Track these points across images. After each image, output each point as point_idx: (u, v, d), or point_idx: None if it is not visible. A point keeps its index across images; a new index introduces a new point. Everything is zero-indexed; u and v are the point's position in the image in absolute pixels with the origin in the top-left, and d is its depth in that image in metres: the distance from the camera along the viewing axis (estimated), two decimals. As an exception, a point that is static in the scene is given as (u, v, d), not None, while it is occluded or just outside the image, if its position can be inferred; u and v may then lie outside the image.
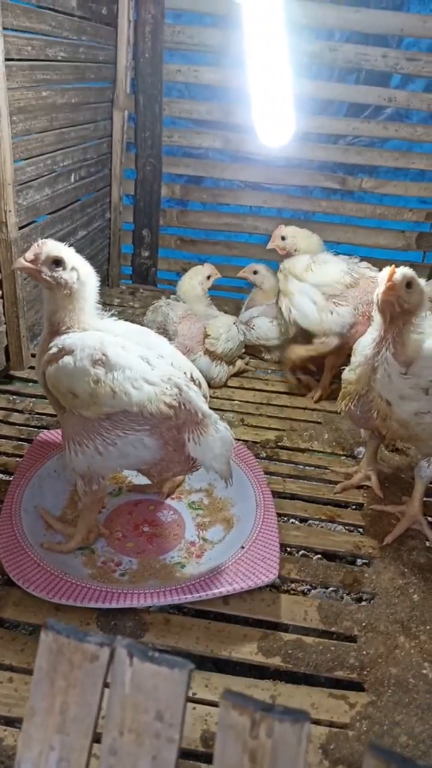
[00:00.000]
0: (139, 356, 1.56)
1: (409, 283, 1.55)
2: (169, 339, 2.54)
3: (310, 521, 1.99)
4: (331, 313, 2.50)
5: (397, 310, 1.56)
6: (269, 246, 2.86)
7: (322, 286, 2.50)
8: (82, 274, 1.58)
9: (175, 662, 0.81)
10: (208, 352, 2.72)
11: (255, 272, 3.03)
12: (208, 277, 2.93)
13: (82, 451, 1.55)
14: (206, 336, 2.71)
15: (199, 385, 1.70)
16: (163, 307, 2.79)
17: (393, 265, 1.55)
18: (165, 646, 1.51)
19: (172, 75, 3.44)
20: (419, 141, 3.51)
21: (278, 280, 2.70)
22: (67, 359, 1.52)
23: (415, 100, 3.39)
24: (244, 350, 3.02)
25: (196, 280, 2.92)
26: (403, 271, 1.54)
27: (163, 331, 2.67)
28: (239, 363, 2.97)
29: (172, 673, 0.81)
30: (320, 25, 3.32)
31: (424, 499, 1.92)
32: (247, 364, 3.03)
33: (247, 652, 1.51)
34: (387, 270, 1.55)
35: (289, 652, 1.51)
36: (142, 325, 2.67)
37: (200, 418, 1.56)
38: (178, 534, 1.85)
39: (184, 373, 1.64)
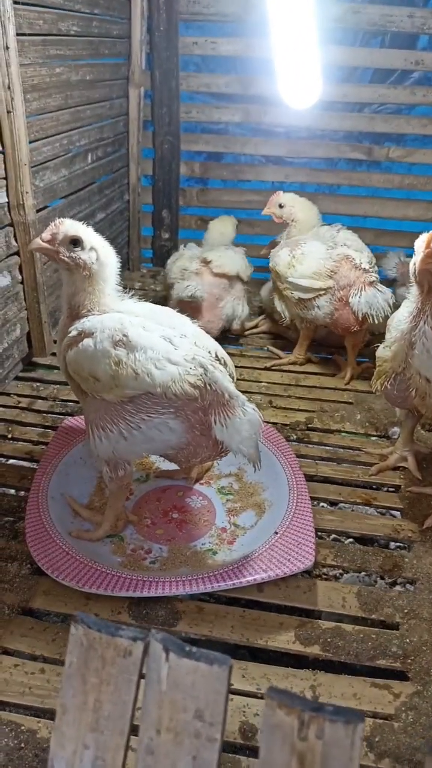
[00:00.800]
0: (161, 336, 1.49)
1: (448, 250, 1.44)
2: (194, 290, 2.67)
3: (344, 505, 1.92)
4: (319, 309, 2.49)
5: (436, 280, 1.46)
6: (264, 212, 2.73)
7: (304, 280, 2.46)
8: (101, 254, 1.52)
9: (214, 658, 0.75)
10: (221, 275, 2.73)
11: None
12: (236, 226, 3.05)
13: (106, 436, 1.50)
14: (207, 262, 2.74)
15: (225, 365, 1.63)
16: (186, 254, 2.83)
17: (430, 232, 1.45)
18: (199, 635, 1.47)
19: (189, 48, 3.32)
20: (449, 106, 3.34)
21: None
22: (87, 342, 1.46)
23: (444, 62, 3.23)
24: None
25: (231, 223, 3.03)
26: (441, 236, 1.43)
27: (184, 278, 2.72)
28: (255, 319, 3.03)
29: (212, 670, 0.75)
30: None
31: (465, 479, 1.83)
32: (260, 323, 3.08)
33: (285, 640, 1.46)
34: (424, 237, 1.45)
35: (329, 640, 1.45)
36: (167, 279, 2.80)
37: (227, 399, 1.50)
38: (209, 520, 1.79)
39: (209, 352, 1.57)
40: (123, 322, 1.48)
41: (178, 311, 1.69)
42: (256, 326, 3.08)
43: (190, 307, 2.70)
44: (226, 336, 3.01)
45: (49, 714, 1.27)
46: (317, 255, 2.48)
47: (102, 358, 1.44)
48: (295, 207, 2.67)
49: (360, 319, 2.43)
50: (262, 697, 1.33)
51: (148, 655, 0.78)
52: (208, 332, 2.77)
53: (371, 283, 2.42)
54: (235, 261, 2.81)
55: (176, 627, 1.47)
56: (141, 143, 3.49)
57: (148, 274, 3.81)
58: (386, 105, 3.43)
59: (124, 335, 1.44)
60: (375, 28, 3.20)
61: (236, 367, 2.71)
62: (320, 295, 2.47)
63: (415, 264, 1.44)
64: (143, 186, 3.66)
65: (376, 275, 2.46)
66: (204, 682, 0.76)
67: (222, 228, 3.04)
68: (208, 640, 1.47)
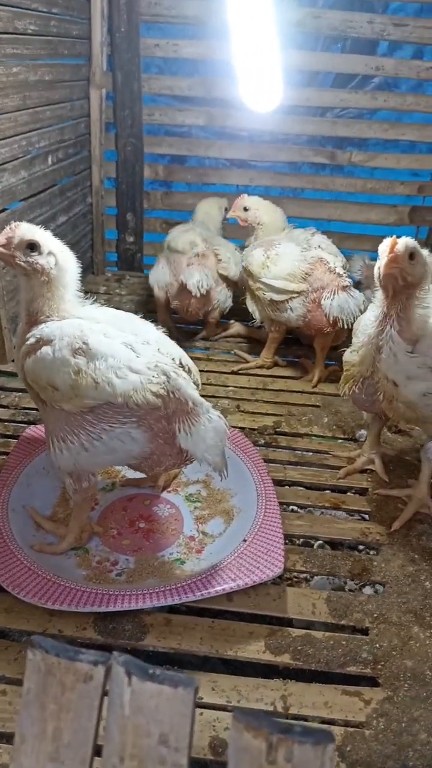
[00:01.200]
0: (123, 343, 1.45)
1: (411, 254, 1.45)
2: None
3: (313, 509, 1.91)
4: (292, 311, 2.48)
5: (401, 284, 1.46)
6: (229, 215, 2.76)
7: (278, 281, 2.44)
8: (60, 258, 1.47)
9: (179, 680, 0.72)
10: (222, 277, 2.75)
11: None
12: (225, 209, 3.00)
13: (66, 447, 1.45)
14: (218, 260, 2.74)
15: (189, 372, 1.60)
16: (196, 230, 2.83)
17: (394, 236, 1.45)
18: (167, 648, 1.43)
19: (150, 50, 3.29)
20: (409, 111, 3.38)
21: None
22: (46, 350, 1.41)
23: (403, 67, 3.27)
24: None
25: (217, 204, 3.04)
26: (405, 242, 1.44)
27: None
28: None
29: (176, 692, 0.72)
30: (303, -9, 3.18)
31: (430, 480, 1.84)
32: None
33: (254, 650, 1.43)
34: (388, 241, 1.45)
35: (299, 648, 1.43)
36: (168, 244, 2.77)
37: (191, 406, 1.47)
38: (176, 529, 1.76)
39: (173, 359, 1.54)
40: (83, 329, 1.43)
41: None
42: (225, 329, 3.05)
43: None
44: (191, 341, 2.98)
45: (10, 738, 1.22)
46: (292, 257, 2.47)
47: (61, 366, 1.39)
48: (259, 210, 2.67)
49: (331, 322, 2.43)
50: (232, 710, 1.31)
51: (110, 678, 0.75)
52: (196, 314, 2.79)
53: (344, 288, 2.42)
54: (236, 267, 2.78)
55: (144, 641, 1.43)
56: (103, 145, 3.44)
57: (113, 278, 3.75)
58: (348, 109, 3.46)
59: (84, 343, 1.40)
60: (335, 33, 3.23)
61: (203, 371, 2.70)
62: (293, 297, 2.46)
63: (379, 268, 1.44)
64: (106, 189, 3.60)
65: (349, 280, 2.46)
66: (168, 706, 0.73)
67: (207, 208, 3.05)
68: (178, 653, 1.44)
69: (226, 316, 3.14)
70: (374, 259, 3.31)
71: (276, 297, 2.48)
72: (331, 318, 2.42)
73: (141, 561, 1.63)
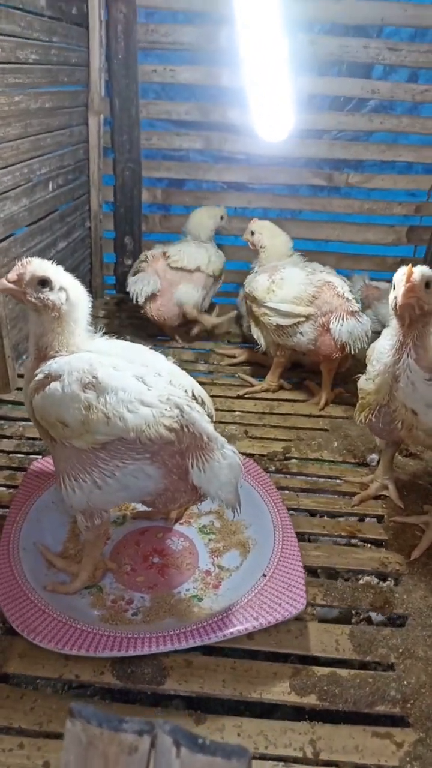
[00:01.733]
0: (133, 375, 1.41)
1: (428, 283, 1.44)
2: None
3: (329, 538, 1.87)
4: (301, 335, 2.46)
5: (417, 313, 1.45)
6: (243, 237, 2.81)
7: (285, 305, 2.43)
8: (71, 294, 1.44)
9: (231, 750, 0.68)
10: (180, 270, 2.85)
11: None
12: (222, 218, 3.14)
13: (78, 486, 1.40)
14: (166, 257, 2.87)
15: (203, 404, 1.57)
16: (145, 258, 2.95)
17: (410, 265, 1.44)
18: (189, 692, 1.38)
19: (148, 75, 3.30)
20: (405, 132, 3.42)
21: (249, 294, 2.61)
22: (54, 386, 1.37)
23: (398, 90, 3.31)
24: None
25: (209, 213, 3.13)
26: (421, 271, 1.42)
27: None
28: (211, 318, 3.09)
29: (230, 764, 0.68)
30: (300, 17, 3.21)
31: (448, 506, 1.82)
32: (217, 325, 3.14)
33: (279, 691, 1.39)
34: (404, 270, 1.44)
35: (325, 688, 1.39)
36: (132, 293, 2.82)
37: (205, 441, 1.42)
38: (192, 563, 1.71)
39: (185, 390, 1.51)
40: (92, 363, 1.39)
41: None
42: (234, 356, 3.03)
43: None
44: (195, 365, 2.96)
45: (31, 797, 1.16)
46: (297, 280, 2.46)
47: (71, 402, 1.35)
48: (262, 234, 2.68)
49: (339, 347, 2.42)
50: (260, 758, 1.26)
51: (155, 749, 0.70)
52: (162, 319, 2.87)
53: (352, 313, 2.41)
54: (194, 255, 2.90)
55: (164, 685, 1.39)
56: (102, 170, 3.44)
57: (112, 302, 3.73)
58: (345, 132, 3.48)
59: (94, 377, 1.36)
60: (332, 58, 3.26)
61: (208, 396, 2.68)
62: (302, 321, 2.44)
63: (396, 298, 1.43)
64: (105, 212, 3.59)
65: (357, 305, 2.45)
66: (220, 777, 0.69)
67: (199, 218, 3.14)
68: (200, 696, 1.39)
69: (235, 342, 3.17)
70: (374, 278, 3.36)
71: (282, 321, 2.46)
72: (340, 343, 2.40)
73: (157, 599, 1.58)
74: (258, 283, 2.52)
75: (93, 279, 3.72)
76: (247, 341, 3.08)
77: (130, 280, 2.92)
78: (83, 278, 3.53)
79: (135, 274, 2.96)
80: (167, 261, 2.90)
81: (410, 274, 1.39)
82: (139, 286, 2.85)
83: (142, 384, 1.41)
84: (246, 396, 2.69)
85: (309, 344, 2.48)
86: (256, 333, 2.65)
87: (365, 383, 1.69)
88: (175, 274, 2.90)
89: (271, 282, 2.48)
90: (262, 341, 2.63)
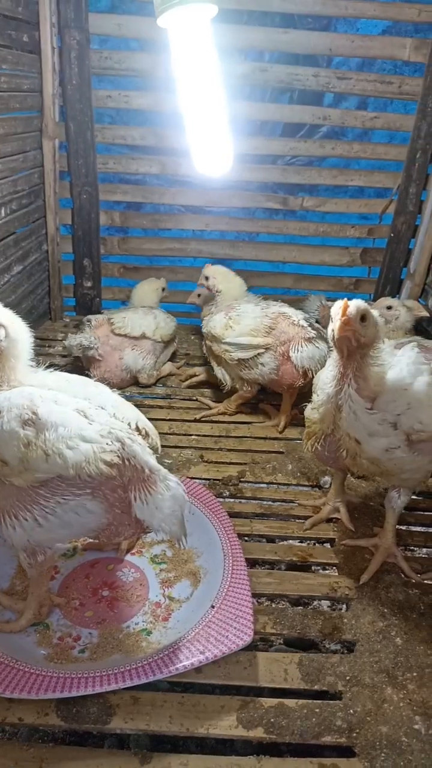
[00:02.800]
0: (75, 409, 1.40)
1: (363, 317, 1.47)
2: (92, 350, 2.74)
3: (281, 564, 1.88)
4: (263, 365, 2.49)
5: (354, 345, 1.48)
6: (198, 282, 2.90)
7: (243, 338, 2.48)
8: (10, 330, 1.42)
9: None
10: (125, 337, 2.81)
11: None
12: (163, 289, 3.28)
13: (19, 524, 1.38)
14: (110, 324, 2.83)
15: (147, 435, 1.56)
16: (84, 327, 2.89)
17: (345, 300, 1.47)
18: (135, 730, 1.36)
19: (102, 101, 3.32)
20: (356, 158, 3.51)
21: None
22: None
23: (348, 117, 3.40)
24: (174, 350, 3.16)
25: (151, 287, 3.23)
26: (356, 305, 1.46)
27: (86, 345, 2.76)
28: (168, 366, 3.06)
29: None
30: (249, 46, 3.29)
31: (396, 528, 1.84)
32: (178, 368, 3.12)
33: (226, 726, 1.38)
34: (339, 304, 1.47)
35: (272, 720, 1.39)
36: (68, 348, 2.78)
37: (147, 474, 1.42)
38: (142, 595, 1.70)
39: (128, 423, 1.50)
40: (33, 398, 1.37)
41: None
42: (194, 375, 3.04)
43: (86, 358, 2.80)
44: (153, 389, 2.96)
45: None
46: (253, 314, 2.52)
47: (9, 440, 1.32)
48: (216, 278, 2.77)
49: (302, 373, 2.45)
50: (205, 797, 1.25)
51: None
52: (108, 382, 2.81)
53: (309, 339, 2.45)
54: (139, 322, 2.86)
55: (110, 724, 1.36)
56: (58, 194, 3.43)
57: (71, 323, 3.71)
58: (298, 157, 3.56)
59: (34, 413, 1.34)
60: (283, 86, 3.33)
61: (164, 420, 2.68)
62: (262, 353, 2.47)
63: (333, 330, 1.46)
64: (63, 235, 3.58)
65: (313, 332, 2.48)
66: None
67: (142, 292, 3.24)
68: (147, 734, 1.37)
69: (194, 363, 3.17)
70: (330, 298, 3.42)
71: (242, 355, 2.50)
72: (302, 369, 2.43)
73: (105, 634, 1.56)
74: (216, 322, 2.57)
75: (52, 301, 3.70)
76: (208, 362, 3.09)
77: (68, 336, 2.83)
78: (41, 300, 3.53)
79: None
80: (111, 327, 2.82)
81: (345, 308, 1.42)
82: (75, 340, 2.72)
83: (83, 418, 1.40)
84: (203, 420, 2.69)
85: (272, 374, 2.50)
86: (219, 372, 2.68)
87: (310, 412, 1.71)
88: (119, 339, 2.81)
89: (228, 319, 2.53)
90: (227, 379, 2.65)
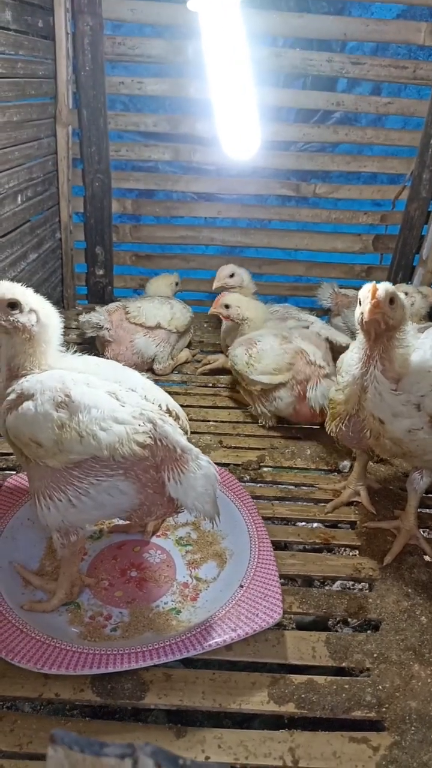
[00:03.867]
0: (106, 392, 1.42)
1: (391, 299, 1.49)
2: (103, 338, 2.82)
3: (304, 545, 1.91)
4: (280, 399, 2.46)
5: (383, 328, 1.50)
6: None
7: (265, 376, 2.45)
8: (41, 315, 1.44)
9: (210, 768, 0.70)
10: (140, 326, 2.84)
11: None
12: (176, 284, 3.28)
13: (54, 505, 1.40)
14: (126, 312, 2.85)
15: (177, 417, 1.58)
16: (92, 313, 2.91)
17: (374, 283, 1.48)
18: (169, 705, 1.39)
19: (116, 87, 3.31)
20: (369, 144, 3.50)
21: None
22: (27, 405, 1.37)
23: (362, 103, 3.39)
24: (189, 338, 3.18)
25: (165, 282, 3.24)
26: (385, 287, 1.47)
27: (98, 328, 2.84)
28: (184, 353, 3.08)
29: (209, 782, 0.70)
30: (263, 31, 3.27)
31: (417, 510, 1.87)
32: (194, 356, 3.15)
33: (258, 701, 1.41)
34: (368, 287, 1.48)
35: (302, 696, 1.42)
36: (81, 325, 2.84)
37: (179, 453, 1.44)
38: (169, 576, 1.73)
39: (159, 405, 1.53)
40: (65, 381, 1.40)
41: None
42: (209, 363, 3.05)
43: (100, 341, 2.88)
44: (169, 376, 2.98)
45: None
46: (273, 352, 2.46)
47: (44, 422, 1.35)
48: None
49: (318, 412, 2.38)
50: (241, 769, 1.28)
51: (137, 770, 0.72)
52: (130, 363, 2.81)
53: (326, 376, 2.41)
54: (155, 312, 2.88)
55: (144, 699, 1.39)
56: (71, 181, 3.43)
57: (84, 312, 3.71)
58: (311, 143, 3.55)
59: (66, 395, 1.36)
60: (296, 71, 3.32)
61: (182, 406, 2.69)
62: (279, 386, 2.44)
63: (362, 314, 1.47)
64: (75, 223, 3.58)
65: (329, 368, 2.44)
66: (200, 794, 0.70)
67: (156, 287, 3.23)
68: (180, 710, 1.40)
69: (208, 351, 3.19)
70: (342, 286, 3.43)
71: (265, 386, 2.46)
72: (318, 407, 2.37)
73: (135, 613, 1.59)
74: (237, 358, 2.54)
75: (65, 289, 3.71)
76: (222, 350, 3.10)
77: (82, 314, 2.90)
78: (54, 289, 3.53)
79: None
80: (126, 316, 2.85)
81: (375, 290, 1.43)
82: (87, 318, 2.81)
83: (115, 400, 1.42)
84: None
85: (288, 408, 2.46)
86: (247, 398, 2.66)
87: (335, 394, 1.73)
88: (133, 326, 2.84)
89: (249, 356, 2.49)
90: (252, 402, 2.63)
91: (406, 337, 1.61)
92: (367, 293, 1.45)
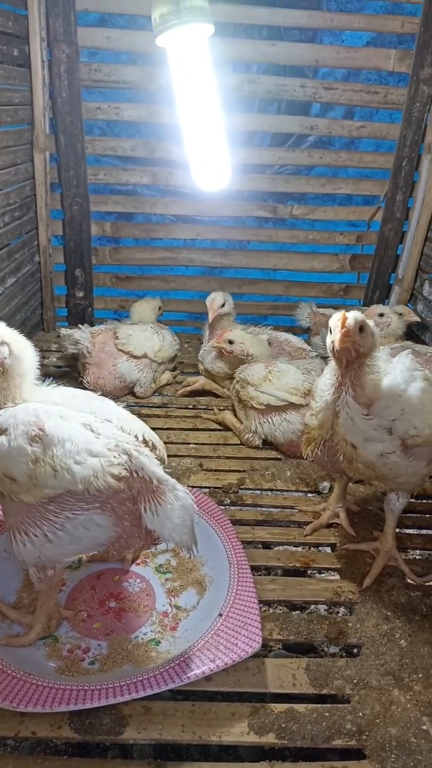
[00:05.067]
0: (81, 424, 1.41)
1: (361, 328, 1.51)
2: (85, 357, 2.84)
3: (285, 569, 1.91)
4: (288, 422, 2.45)
5: (353, 355, 1.52)
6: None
7: (281, 392, 2.45)
8: (14, 348, 1.43)
9: None
10: (126, 354, 2.86)
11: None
12: (159, 308, 3.30)
13: (30, 540, 1.39)
14: (115, 337, 2.87)
15: (153, 447, 1.58)
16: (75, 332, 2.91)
17: (343, 312, 1.51)
18: (149, 739, 1.38)
19: (93, 113, 3.35)
20: (343, 166, 3.57)
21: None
22: (1, 440, 1.35)
23: (335, 127, 3.46)
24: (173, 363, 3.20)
25: (149, 306, 3.25)
26: (354, 316, 1.49)
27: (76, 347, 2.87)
28: (166, 375, 3.10)
29: None
30: (237, 58, 3.34)
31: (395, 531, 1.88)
32: (174, 377, 3.17)
33: (238, 732, 1.40)
34: (338, 316, 1.50)
35: (283, 725, 1.41)
36: (62, 337, 2.86)
37: (156, 485, 1.43)
38: (149, 605, 1.71)
39: (135, 436, 1.52)
40: (38, 414, 1.38)
41: None
42: (188, 385, 3.05)
43: (81, 364, 2.90)
44: (149, 398, 2.98)
45: None
46: (294, 375, 2.48)
47: (18, 456, 1.33)
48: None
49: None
50: (221, 803, 1.26)
51: None
52: (101, 390, 2.80)
53: None
54: (143, 343, 2.90)
55: (123, 734, 1.38)
56: (49, 205, 3.44)
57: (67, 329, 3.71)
58: (286, 166, 3.61)
59: (40, 429, 1.35)
60: (271, 96, 3.39)
61: (162, 429, 2.70)
62: (288, 408, 2.43)
63: (333, 342, 1.49)
64: (54, 246, 3.59)
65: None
66: None
67: (141, 311, 3.23)
68: (160, 744, 1.38)
69: (188, 372, 3.20)
70: (321, 305, 3.47)
71: (274, 402, 2.45)
72: None
73: (114, 645, 1.57)
74: (254, 371, 2.54)
75: (44, 312, 3.71)
76: (200, 371, 3.11)
77: (63, 330, 2.92)
78: (34, 312, 3.53)
79: None
80: (115, 342, 2.85)
81: (345, 319, 1.45)
82: (68, 332, 2.84)
83: (90, 432, 1.41)
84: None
85: (293, 435, 2.43)
86: (239, 416, 2.67)
87: (309, 419, 1.74)
88: (117, 350, 2.86)
89: (268, 372, 2.50)
90: (242, 422, 2.63)
91: (377, 363, 1.64)
92: (337, 322, 1.47)
